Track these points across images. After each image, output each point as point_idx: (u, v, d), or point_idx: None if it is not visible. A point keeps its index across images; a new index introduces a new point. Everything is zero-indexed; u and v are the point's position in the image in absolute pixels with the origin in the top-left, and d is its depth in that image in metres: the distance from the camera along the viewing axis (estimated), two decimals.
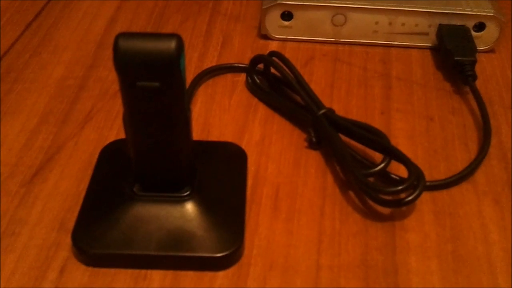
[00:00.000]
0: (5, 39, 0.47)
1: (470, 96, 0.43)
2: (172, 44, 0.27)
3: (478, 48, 0.46)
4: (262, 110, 0.42)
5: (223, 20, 0.50)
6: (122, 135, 0.31)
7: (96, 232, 0.32)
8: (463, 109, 0.42)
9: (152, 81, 0.28)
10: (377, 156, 0.37)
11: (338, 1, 0.46)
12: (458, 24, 0.46)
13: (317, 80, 0.44)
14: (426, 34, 0.47)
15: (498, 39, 0.47)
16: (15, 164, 0.37)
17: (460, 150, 0.39)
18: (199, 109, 0.42)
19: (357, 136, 0.37)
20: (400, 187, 0.33)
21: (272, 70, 0.42)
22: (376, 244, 0.33)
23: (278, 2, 0.46)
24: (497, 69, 0.46)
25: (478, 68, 0.44)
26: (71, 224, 0.33)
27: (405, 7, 0.46)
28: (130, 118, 0.30)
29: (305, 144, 0.39)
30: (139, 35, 0.27)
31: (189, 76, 0.44)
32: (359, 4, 0.46)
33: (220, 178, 0.35)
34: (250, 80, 0.43)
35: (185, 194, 0.33)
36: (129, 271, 0.32)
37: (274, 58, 0.42)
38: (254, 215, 0.35)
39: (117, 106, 0.42)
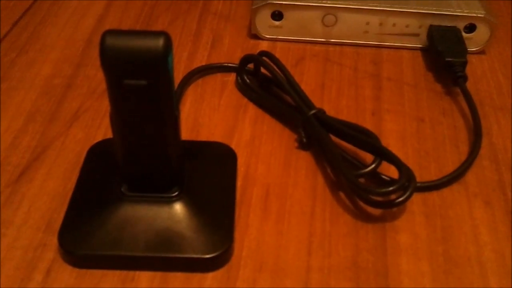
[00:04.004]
0: None
1: (461, 97, 0.43)
2: (160, 42, 0.27)
3: (468, 49, 0.46)
4: (252, 110, 0.42)
5: (213, 19, 0.50)
6: (110, 135, 0.31)
7: (83, 233, 0.32)
8: (453, 110, 0.42)
9: (139, 79, 0.27)
10: (368, 157, 0.37)
11: (328, 1, 0.46)
12: (449, 25, 0.46)
13: (308, 81, 0.44)
14: (417, 35, 0.47)
15: (489, 40, 0.47)
16: (1, 163, 0.37)
17: (450, 151, 0.39)
18: (189, 109, 0.41)
19: (348, 136, 0.37)
20: (390, 188, 0.33)
21: (262, 70, 0.42)
22: (367, 246, 0.33)
23: (269, 1, 0.46)
24: (488, 70, 0.46)
25: (468, 69, 0.44)
26: (57, 224, 0.33)
27: (396, 7, 0.46)
28: (117, 117, 0.29)
29: (296, 144, 0.39)
30: (126, 32, 0.27)
31: (179, 75, 0.43)
32: (349, 5, 0.46)
33: (209, 178, 0.35)
34: (240, 80, 0.43)
35: (174, 194, 0.33)
36: (117, 273, 0.31)
37: (264, 58, 0.41)
38: (243, 216, 0.34)
39: (105, 105, 0.41)
